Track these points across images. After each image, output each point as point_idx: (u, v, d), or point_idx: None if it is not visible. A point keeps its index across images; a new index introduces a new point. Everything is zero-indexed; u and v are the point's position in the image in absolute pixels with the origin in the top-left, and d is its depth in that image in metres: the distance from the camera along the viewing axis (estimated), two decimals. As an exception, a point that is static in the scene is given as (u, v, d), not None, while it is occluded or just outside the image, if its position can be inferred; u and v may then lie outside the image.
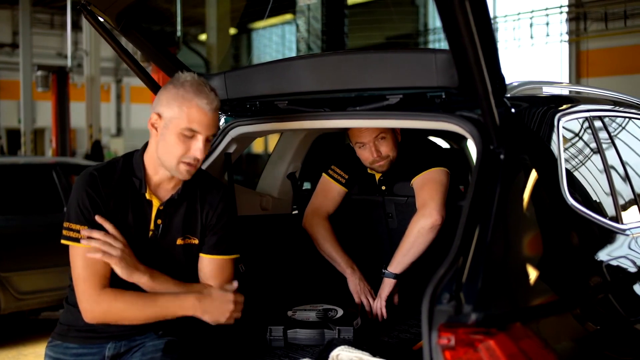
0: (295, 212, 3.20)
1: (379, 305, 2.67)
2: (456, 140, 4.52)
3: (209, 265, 2.12)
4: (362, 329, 2.45)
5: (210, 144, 2.05)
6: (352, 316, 2.49)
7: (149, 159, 2.06)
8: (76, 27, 14.78)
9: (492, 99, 1.75)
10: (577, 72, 11.00)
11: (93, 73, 11.67)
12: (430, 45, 13.34)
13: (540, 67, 12.46)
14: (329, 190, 2.92)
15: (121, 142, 18.48)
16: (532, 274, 1.72)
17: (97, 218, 1.95)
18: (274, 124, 2.51)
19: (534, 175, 1.87)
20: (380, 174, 2.86)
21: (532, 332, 1.59)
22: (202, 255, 2.13)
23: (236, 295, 2.01)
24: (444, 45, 12.80)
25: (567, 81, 11.05)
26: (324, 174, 2.94)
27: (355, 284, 2.75)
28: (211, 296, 1.99)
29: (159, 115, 1.99)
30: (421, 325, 1.56)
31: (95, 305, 1.97)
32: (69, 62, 12.45)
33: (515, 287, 1.67)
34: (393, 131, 2.70)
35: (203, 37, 12.49)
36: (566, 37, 11.51)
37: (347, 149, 2.91)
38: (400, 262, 2.63)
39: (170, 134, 1.96)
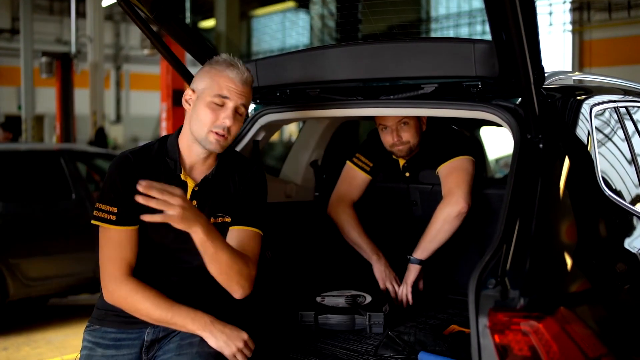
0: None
1: (404, 291, 2.71)
2: (469, 128, 4.54)
3: (237, 236, 2.09)
4: (391, 315, 2.49)
5: (242, 122, 2.06)
6: (381, 302, 2.53)
7: (183, 140, 2.09)
8: (76, 13, 14.69)
9: (534, 89, 1.78)
10: (580, 62, 11.03)
11: (97, 59, 11.62)
12: (432, 34, 13.33)
13: (543, 57, 12.44)
14: (354, 178, 2.94)
15: (120, 129, 18.45)
16: (573, 260, 1.76)
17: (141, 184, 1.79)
18: (304, 111, 2.54)
19: (571, 164, 1.91)
20: (404, 161, 2.89)
21: (576, 316, 1.63)
22: (230, 228, 2.13)
23: (250, 339, 2.00)
24: (446, 33, 12.75)
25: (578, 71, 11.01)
26: (348, 162, 2.97)
27: (381, 270, 2.79)
28: (226, 326, 1.99)
29: (193, 91, 2.06)
30: (468, 310, 1.60)
31: (116, 289, 2.00)
32: (72, 49, 12.39)
33: (557, 273, 1.71)
34: (418, 119, 2.73)
35: (209, 23, 12.40)
36: (569, 27, 11.53)
37: (372, 136, 2.93)
38: (425, 248, 2.67)
39: (202, 105, 2.02)
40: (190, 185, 2.08)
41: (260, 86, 2.52)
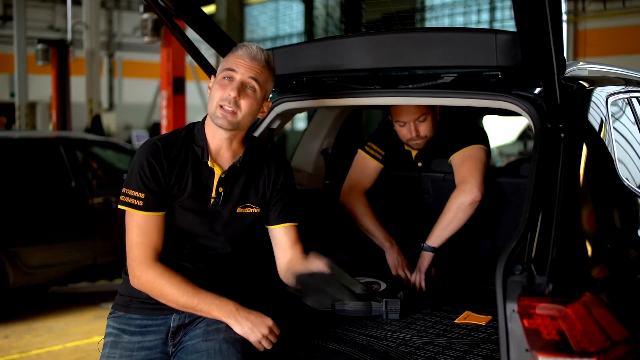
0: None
1: (418, 278, 2.75)
2: (473, 117, 4.57)
3: (286, 233, 2.19)
4: (406, 301, 2.52)
5: (254, 100, 2.07)
6: (396, 288, 2.56)
7: (208, 126, 2.11)
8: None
9: (557, 79, 1.81)
10: (575, 51, 11.06)
11: (93, 47, 11.53)
12: (427, 23, 13.34)
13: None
14: (366, 166, 2.97)
15: (113, 117, 18.34)
16: (594, 247, 1.80)
17: None
18: (321, 100, 2.56)
19: (591, 152, 1.94)
20: (416, 151, 2.92)
21: (600, 301, 1.67)
22: (272, 227, 2.19)
23: (275, 325, 2.04)
24: (441, 23, 12.74)
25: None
26: (359, 150, 2.99)
27: (393, 257, 2.83)
28: (250, 312, 2.03)
29: (214, 77, 2.11)
30: (496, 295, 1.64)
31: (142, 273, 2.02)
32: (69, 36, 12.29)
33: (580, 259, 1.75)
34: (433, 112, 2.76)
35: (209, 9, 12.30)
36: (564, 17, 11.56)
37: (385, 125, 2.96)
38: (439, 236, 2.71)
39: (215, 84, 2.08)
40: (217, 172, 2.09)
41: (277, 74, 2.54)
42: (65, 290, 6.58)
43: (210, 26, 2.46)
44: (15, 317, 5.65)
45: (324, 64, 2.43)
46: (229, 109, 2.03)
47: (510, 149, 11.84)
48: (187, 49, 2.42)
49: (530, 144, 11.53)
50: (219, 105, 2.04)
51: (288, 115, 2.76)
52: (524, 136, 11.89)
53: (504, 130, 11.73)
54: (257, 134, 2.68)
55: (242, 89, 2.04)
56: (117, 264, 6.07)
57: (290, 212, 2.21)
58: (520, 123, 11.22)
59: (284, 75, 2.55)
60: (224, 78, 2.05)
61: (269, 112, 2.67)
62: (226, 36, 2.46)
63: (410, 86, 2.31)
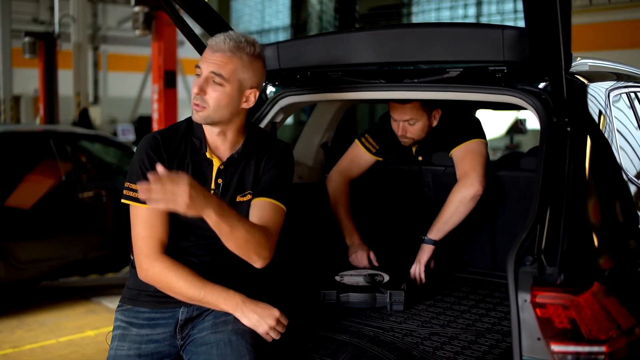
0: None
1: (418, 270, 2.77)
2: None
3: (259, 207, 2.07)
4: (409, 293, 2.55)
5: (222, 92, 2.01)
6: (399, 280, 2.59)
7: None
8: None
9: (564, 74, 1.85)
10: (561, 46, 11.15)
11: (80, 40, 11.44)
12: (414, 17, 13.38)
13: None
14: (357, 156, 3.01)
15: (98, 110, 18.16)
16: (601, 238, 1.84)
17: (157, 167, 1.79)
18: (325, 94, 2.57)
19: (595, 146, 1.98)
20: (416, 145, 2.95)
21: (608, 290, 1.71)
22: (253, 200, 2.10)
23: (282, 315, 2.04)
24: (428, 16, 12.73)
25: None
26: (356, 140, 3.03)
27: (354, 252, 2.86)
28: (257, 304, 2.04)
29: None
30: (507, 285, 1.67)
31: (150, 267, 2.03)
32: (56, 29, 12.16)
33: (588, 250, 1.79)
34: (428, 116, 2.79)
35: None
36: (551, 12, 11.63)
37: (384, 120, 2.99)
38: (440, 229, 2.74)
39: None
40: (216, 163, 2.10)
41: (282, 68, 2.55)
42: (57, 285, 6.55)
43: (209, 12, 2.46)
44: (7, 312, 5.62)
45: (329, 58, 2.44)
46: (197, 104, 2.03)
47: (496, 143, 11.94)
48: (190, 39, 2.42)
49: (517, 139, 11.64)
50: (193, 102, 2.04)
51: (292, 109, 2.77)
52: (510, 131, 12.01)
53: (490, 124, 11.82)
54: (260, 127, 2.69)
55: (207, 84, 2.02)
56: (108, 258, 6.07)
57: (274, 190, 2.09)
58: (507, 118, 11.32)
59: (288, 69, 2.56)
60: (196, 75, 2.05)
61: (273, 105, 2.68)
62: (223, 22, 2.47)
63: (415, 80, 2.33)
